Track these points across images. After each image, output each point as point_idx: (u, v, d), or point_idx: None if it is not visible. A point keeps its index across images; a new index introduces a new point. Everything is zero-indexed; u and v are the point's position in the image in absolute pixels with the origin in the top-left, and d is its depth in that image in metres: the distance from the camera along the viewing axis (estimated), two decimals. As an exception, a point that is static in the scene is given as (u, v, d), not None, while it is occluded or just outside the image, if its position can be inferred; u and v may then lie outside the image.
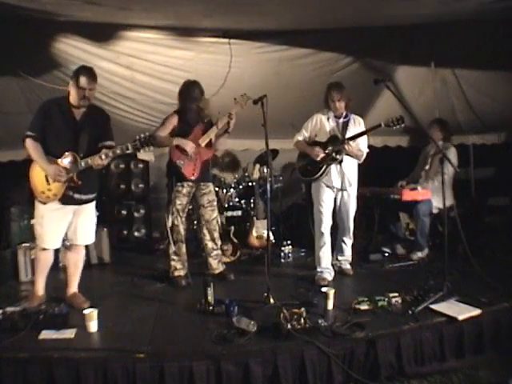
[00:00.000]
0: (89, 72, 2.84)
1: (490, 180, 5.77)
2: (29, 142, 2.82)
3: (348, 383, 2.40)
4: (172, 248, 3.59)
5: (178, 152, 3.47)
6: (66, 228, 2.99)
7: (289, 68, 4.41)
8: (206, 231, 3.68)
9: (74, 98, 2.84)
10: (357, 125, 3.59)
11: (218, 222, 3.73)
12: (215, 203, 3.72)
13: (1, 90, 4.21)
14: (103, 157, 2.78)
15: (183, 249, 3.63)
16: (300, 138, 3.69)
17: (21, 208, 4.39)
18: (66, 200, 2.88)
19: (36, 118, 2.85)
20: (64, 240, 3.09)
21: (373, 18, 3.67)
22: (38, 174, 2.86)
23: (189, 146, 3.45)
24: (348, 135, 3.51)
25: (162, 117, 4.90)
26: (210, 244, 3.70)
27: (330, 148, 3.49)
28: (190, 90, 3.51)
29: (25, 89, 4.30)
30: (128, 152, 2.81)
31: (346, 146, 3.43)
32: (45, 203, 2.88)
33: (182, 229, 3.59)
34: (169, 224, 3.55)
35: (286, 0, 3.25)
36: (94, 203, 3.12)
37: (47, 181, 2.83)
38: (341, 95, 3.46)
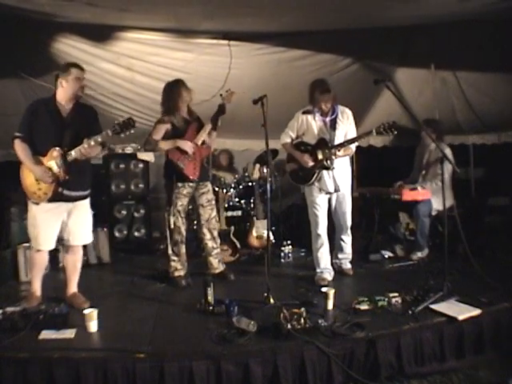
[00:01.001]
0: (77, 64, 2.92)
1: (490, 180, 5.77)
2: (17, 143, 2.85)
3: (348, 383, 2.40)
4: (172, 249, 3.60)
5: (178, 153, 3.47)
6: (59, 228, 2.98)
7: (288, 69, 4.41)
8: (205, 230, 3.68)
9: (66, 92, 2.87)
10: (345, 119, 3.52)
11: (216, 220, 3.74)
12: (214, 202, 3.72)
13: (1, 91, 4.21)
14: (85, 146, 2.78)
15: (183, 249, 3.63)
16: (287, 139, 3.64)
17: (21, 208, 4.38)
18: (56, 197, 2.87)
19: (24, 119, 2.88)
20: (62, 240, 3.08)
21: (373, 19, 3.67)
22: (28, 175, 2.87)
23: (188, 145, 3.46)
24: (337, 133, 3.46)
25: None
26: (210, 243, 3.70)
27: (321, 156, 3.44)
28: (180, 90, 3.49)
29: (25, 89, 4.31)
30: (109, 137, 2.79)
31: (334, 156, 3.39)
32: (37, 204, 2.88)
33: (183, 229, 3.59)
34: (170, 225, 3.55)
35: (286, 2, 3.25)
36: (87, 201, 3.10)
37: (37, 180, 2.84)
38: (327, 97, 3.38)
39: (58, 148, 2.81)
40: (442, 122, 4.54)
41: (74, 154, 2.79)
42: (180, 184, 3.51)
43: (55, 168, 2.81)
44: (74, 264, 3.14)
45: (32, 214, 2.93)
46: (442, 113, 4.77)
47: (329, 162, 3.42)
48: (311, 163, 3.48)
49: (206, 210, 3.65)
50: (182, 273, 3.61)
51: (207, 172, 3.79)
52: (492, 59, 4.27)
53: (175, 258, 3.61)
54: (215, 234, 3.71)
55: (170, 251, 3.61)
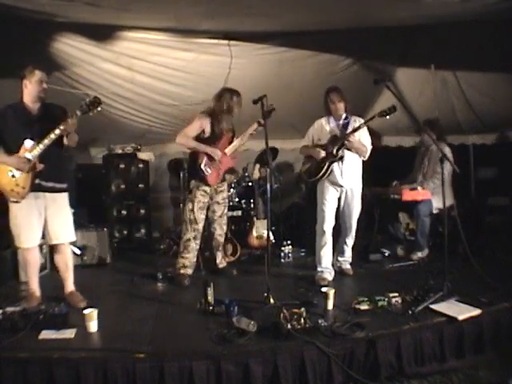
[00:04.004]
0: (40, 68, 2.98)
1: (489, 180, 5.77)
2: None
3: (348, 383, 2.40)
4: (184, 244, 3.61)
5: (207, 158, 3.53)
6: (41, 224, 2.99)
7: (289, 69, 4.40)
8: (217, 226, 3.79)
9: (31, 93, 2.94)
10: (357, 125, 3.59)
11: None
12: (227, 200, 3.88)
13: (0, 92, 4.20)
14: (57, 132, 2.81)
15: (197, 246, 3.66)
16: (304, 143, 3.77)
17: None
18: (33, 188, 2.90)
19: None
20: (46, 241, 3.11)
21: (373, 20, 3.67)
22: (2, 175, 2.88)
23: (217, 153, 3.53)
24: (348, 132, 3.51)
25: (163, 117, 4.93)
26: (219, 238, 3.84)
27: (331, 147, 3.51)
28: (234, 100, 3.53)
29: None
30: (78, 116, 2.83)
31: (349, 139, 3.43)
32: (18, 202, 2.90)
33: (201, 226, 3.64)
34: (191, 220, 3.58)
35: (287, 1, 3.25)
36: (65, 196, 3.11)
37: (13, 177, 2.86)
38: (340, 97, 3.52)
39: (29, 140, 2.85)
40: (440, 122, 4.54)
41: (46, 141, 2.81)
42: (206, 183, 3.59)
43: (30, 157, 2.84)
44: (64, 263, 3.16)
45: (13, 214, 2.96)
46: (441, 113, 4.77)
47: (338, 152, 3.48)
48: (323, 154, 3.54)
49: (221, 207, 3.77)
50: (188, 271, 3.63)
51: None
52: (492, 59, 4.26)
53: (185, 255, 3.62)
54: (225, 229, 3.84)
55: (181, 247, 3.65)
